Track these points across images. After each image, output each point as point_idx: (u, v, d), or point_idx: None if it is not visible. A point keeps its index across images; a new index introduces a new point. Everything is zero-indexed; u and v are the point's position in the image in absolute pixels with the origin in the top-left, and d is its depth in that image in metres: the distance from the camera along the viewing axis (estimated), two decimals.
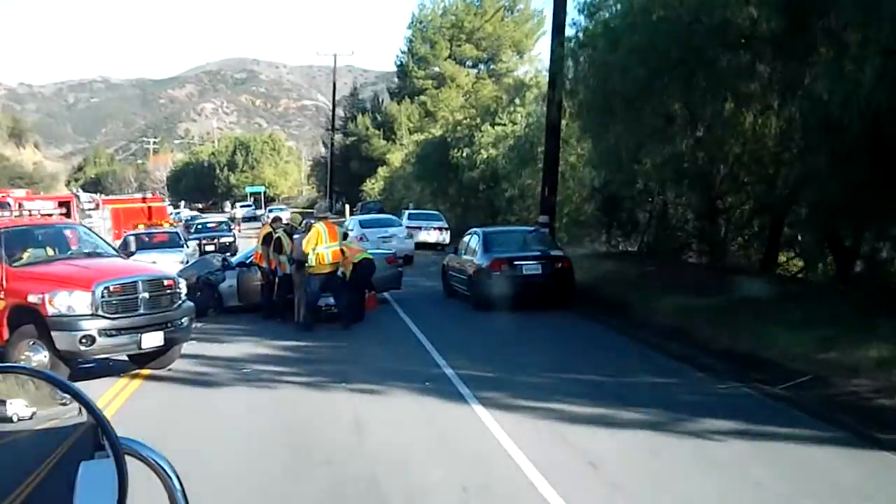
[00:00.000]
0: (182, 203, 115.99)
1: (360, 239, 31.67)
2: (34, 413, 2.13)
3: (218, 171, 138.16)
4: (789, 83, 18.04)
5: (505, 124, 47.19)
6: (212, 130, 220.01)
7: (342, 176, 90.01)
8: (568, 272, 22.81)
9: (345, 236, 21.67)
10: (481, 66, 79.91)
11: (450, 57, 78.49)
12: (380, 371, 14.75)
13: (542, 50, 77.31)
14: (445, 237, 44.43)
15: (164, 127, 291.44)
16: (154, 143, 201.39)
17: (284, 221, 24.07)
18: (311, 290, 20.16)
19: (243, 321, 21.41)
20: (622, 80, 19.94)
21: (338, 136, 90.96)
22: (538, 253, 23.33)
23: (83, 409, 2.08)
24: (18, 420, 2.11)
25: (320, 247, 19.90)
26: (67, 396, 2.11)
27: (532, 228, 27.11)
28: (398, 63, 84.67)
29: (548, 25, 40.95)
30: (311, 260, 19.88)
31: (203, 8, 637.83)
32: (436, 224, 45.38)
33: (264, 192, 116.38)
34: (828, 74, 15.11)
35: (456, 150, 50.64)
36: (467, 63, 79.93)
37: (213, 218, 65.28)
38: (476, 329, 20.26)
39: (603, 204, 30.71)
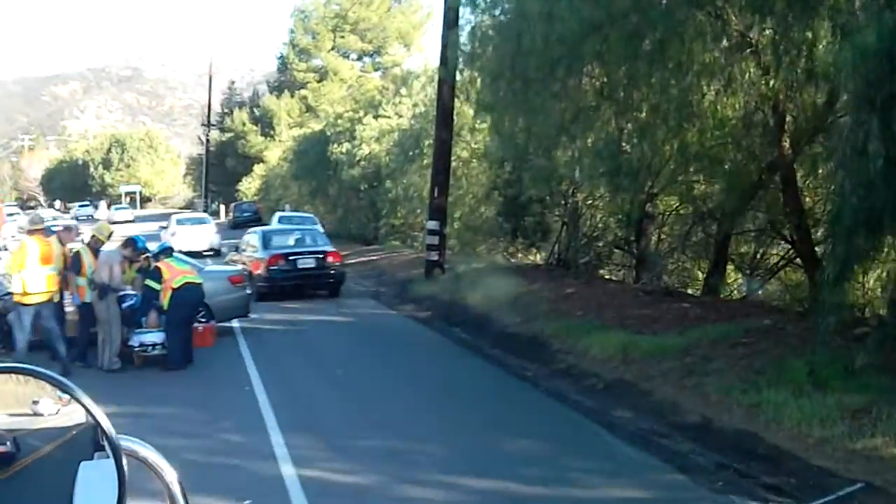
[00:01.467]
0: (57, 203, 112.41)
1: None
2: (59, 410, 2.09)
3: (92, 169, 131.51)
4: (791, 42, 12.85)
5: (389, 117, 41.89)
6: (88, 129, 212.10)
7: (218, 175, 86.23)
8: (339, 265, 25.42)
9: (155, 258, 16.33)
10: (366, 59, 75.95)
11: (333, 49, 74.12)
12: (175, 461, 9.00)
13: (429, 44, 72.89)
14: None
15: (46, 125, 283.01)
16: (30, 139, 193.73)
17: (88, 233, 17.93)
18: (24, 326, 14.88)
19: (35, 362, 15.34)
20: (543, 38, 14.47)
21: (215, 133, 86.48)
22: (311, 249, 25.58)
23: (83, 409, 2.01)
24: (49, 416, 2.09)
25: (27, 270, 14.72)
26: (67, 396, 2.03)
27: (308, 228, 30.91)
28: (279, 56, 79.92)
29: (437, 18, 35.99)
30: (17, 287, 14.79)
31: (89, 4, 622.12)
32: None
33: (140, 192, 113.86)
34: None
35: (336, 146, 44.91)
36: (351, 56, 75.72)
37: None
38: (340, 382, 14.47)
39: (504, 206, 25.16)
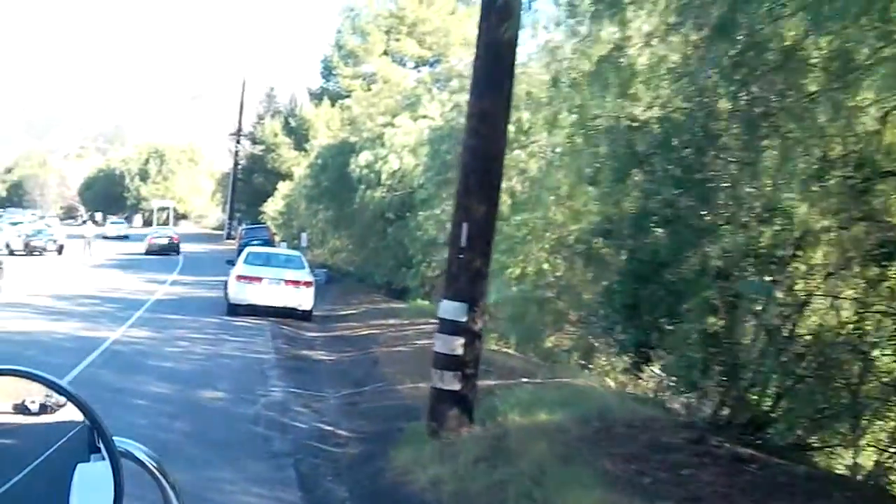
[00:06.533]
0: (97, 215, 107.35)
1: None
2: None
3: (128, 180, 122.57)
4: None
5: (433, 118, 29.44)
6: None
7: (246, 193, 77.71)
8: None
9: None
10: (424, 69, 62.63)
11: (385, 53, 62.81)
12: None
13: None
14: (305, 297, 26.37)
15: (114, 136, 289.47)
16: (81, 147, 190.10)
17: None
18: None
19: None
20: None
21: (247, 146, 76.44)
22: None
23: (79, 410, 2.06)
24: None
25: None
26: (63, 399, 2.07)
27: None
28: (322, 59, 68.84)
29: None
30: None
31: (159, 20, 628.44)
32: (291, 273, 26.77)
33: (174, 209, 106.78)
34: None
35: (358, 157, 32.35)
36: (407, 63, 63.58)
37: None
38: None
39: (628, 275, 11.41)
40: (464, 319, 10.65)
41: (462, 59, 57.97)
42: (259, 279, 25.76)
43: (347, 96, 62.34)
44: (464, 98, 20.92)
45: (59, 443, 2.05)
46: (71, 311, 25.93)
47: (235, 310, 25.98)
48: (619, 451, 9.25)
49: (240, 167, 78.59)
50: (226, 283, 28.01)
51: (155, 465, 2.21)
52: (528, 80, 16.30)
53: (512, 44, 10.96)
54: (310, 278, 26.46)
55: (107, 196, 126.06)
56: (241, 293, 25.82)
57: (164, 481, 2.21)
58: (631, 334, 11.03)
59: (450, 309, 10.74)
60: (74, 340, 19.84)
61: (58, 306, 26.90)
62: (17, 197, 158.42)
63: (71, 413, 2.04)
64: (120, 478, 1.96)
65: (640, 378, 13.24)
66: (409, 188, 29.21)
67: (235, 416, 13.14)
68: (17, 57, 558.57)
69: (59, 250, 55.84)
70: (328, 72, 68.23)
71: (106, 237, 73.84)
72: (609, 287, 11.81)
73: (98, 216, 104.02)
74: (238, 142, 77.57)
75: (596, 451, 9.18)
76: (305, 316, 25.91)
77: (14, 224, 68.31)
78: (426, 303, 26.84)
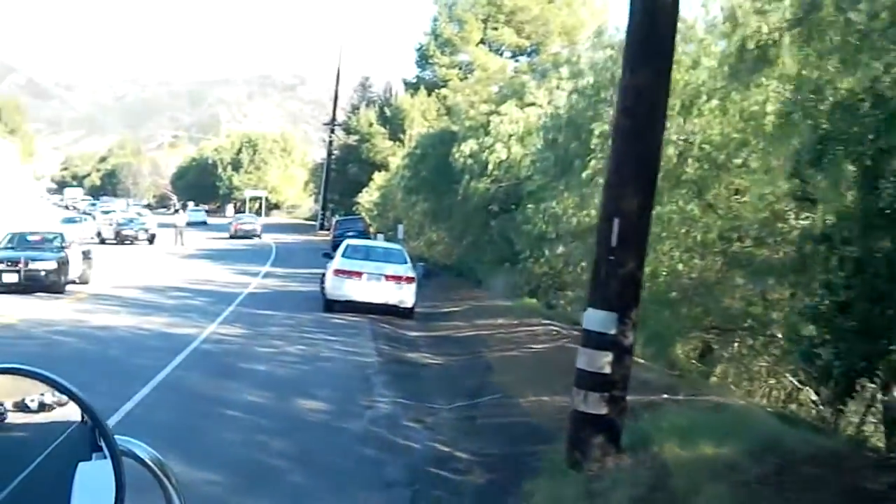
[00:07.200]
0: (190, 203, 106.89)
1: None
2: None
3: (220, 169, 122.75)
4: None
5: (541, 105, 27.84)
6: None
7: (340, 184, 77.10)
8: None
9: None
10: (521, 58, 61.81)
11: (482, 42, 61.52)
12: None
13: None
14: (406, 293, 24.88)
15: (208, 126, 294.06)
16: (172, 136, 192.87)
17: None
18: None
19: None
20: None
21: (341, 135, 75.91)
22: None
23: (80, 410, 2.05)
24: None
25: None
26: (65, 397, 2.06)
27: None
28: (418, 47, 67.56)
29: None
30: None
31: (257, 12, 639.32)
32: (392, 268, 25.47)
33: (266, 199, 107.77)
34: None
35: (461, 146, 30.93)
36: (504, 52, 62.43)
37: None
38: None
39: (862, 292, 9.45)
40: (612, 332, 9.02)
41: (565, 46, 57.43)
42: (359, 274, 24.34)
43: (444, 85, 63.04)
44: (584, 82, 19.40)
45: (61, 441, 2.03)
46: (159, 304, 25.12)
47: (332, 306, 24.76)
48: (811, 499, 7.60)
49: (333, 157, 78.37)
50: (322, 276, 26.86)
51: (156, 463, 2.17)
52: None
53: (673, 7, 9.34)
54: (412, 273, 25.02)
55: (199, 185, 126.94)
56: (339, 288, 24.50)
57: (165, 480, 2.17)
58: (845, 361, 9.12)
59: (596, 319, 9.12)
60: (161, 338, 18.86)
61: (146, 299, 26.16)
62: (110, 186, 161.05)
63: (72, 411, 2.03)
64: (121, 476, 1.93)
65: (800, 400, 11.57)
66: (515, 179, 27.71)
67: (340, 432, 11.67)
68: (113, 47, 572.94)
69: (151, 240, 55.86)
70: (423, 60, 67.46)
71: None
72: (821, 303, 9.90)
73: (190, 205, 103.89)
74: (332, 131, 77.57)
75: (785, 499, 7.53)
76: (406, 313, 24.48)
77: (106, 213, 68.66)
78: (533, 301, 25.28)
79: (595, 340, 9.15)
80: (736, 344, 15.75)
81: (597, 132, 15.74)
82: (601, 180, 16.16)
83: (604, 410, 9.13)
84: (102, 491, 1.91)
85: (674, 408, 11.06)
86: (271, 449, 10.51)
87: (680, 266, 15.04)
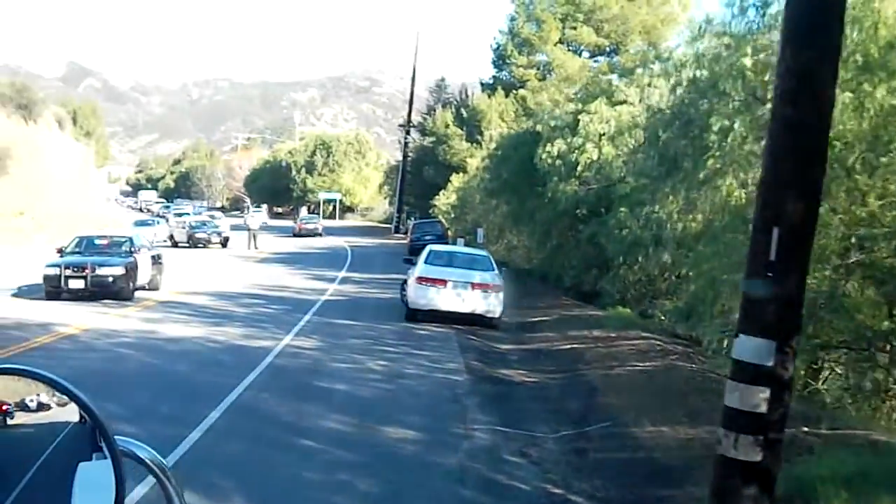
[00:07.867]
0: (263, 206, 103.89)
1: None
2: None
3: (294, 172, 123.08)
4: None
5: (632, 104, 26.35)
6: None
7: (416, 186, 77.10)
8: None
9: None
10: (601, 59, 61.55)
11: (561, 42, 60.78)
12: None
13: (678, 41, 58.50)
14: (494, 302, 23.54)
15: (281, 129, 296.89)
16: (247, 139, 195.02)
17: None
18: None
19: None
20: None
21: (417, 136, 75.62)
22: None
23: (81, 410, 2.07)
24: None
25: None
26: (65, 398, 2.08)
27: None
28: (495, 47, 67.01)
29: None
30: None
31: (330, 14, 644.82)
32: (479, 276, 24.11)
33: (340, 201, 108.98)
34: None
35: (546, 147, 29.51)
36: (583, 52, 61.97)
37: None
38: None
39: None
40: (770, 363, 7.49)
41: (646, 45, 56.23)
42: (443, 282, 23.04)
43: (521, 86, 62.51)
44: (690, 74, 17.82)
45: (61, 441, 2.04)
46: (231, 313, 24.20)
47: (414, 315, 23.56)
48: None
49: (409, 159, 77.74)
50: (403, 283, 25.70)
51: (156, 463, 2.19)
52: None
53: None
54: (499, 281, 23.62)
55: (273, 188, 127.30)
56: (423, 297, 23.22)
57: (165, 481, 2.19)
58: None
59: (750, 347, 7.60)
60: (233, 352, 17.82)
61: (217, 307, 25.32)
62: (184, 188, 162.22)
63: (73, 412, 2.05)
64: (121, 476, 1.96)
65: None
66: (606, 181, 26.26)
67: (433, 468, 10.25)
68: (187, 51, 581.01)
69: (224, 243, 55.37)
70: (501, 61, 66.94)
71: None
72: None
73: (263, 208, 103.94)
74: (408, 133, 77.01)
75: None
76: (494, 323, 23.10)
77: (179, 216, 68.38)
78: (627, 311, 23.79)
79: (748, 373, 7.62)
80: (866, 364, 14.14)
81: (715, 127, 14.19)
82: (719, 181, 14.70)
83: (758, 457, 7.62)
84: (103, 491, 1.93)
85: (822, 445, 9.56)
86: (355, 490, 9.13)
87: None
